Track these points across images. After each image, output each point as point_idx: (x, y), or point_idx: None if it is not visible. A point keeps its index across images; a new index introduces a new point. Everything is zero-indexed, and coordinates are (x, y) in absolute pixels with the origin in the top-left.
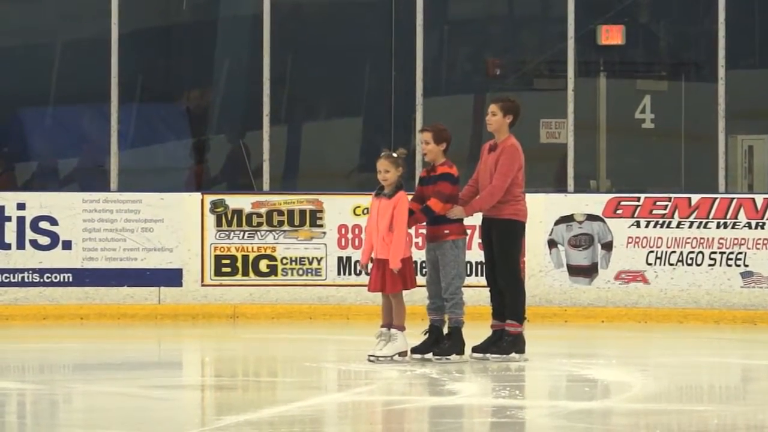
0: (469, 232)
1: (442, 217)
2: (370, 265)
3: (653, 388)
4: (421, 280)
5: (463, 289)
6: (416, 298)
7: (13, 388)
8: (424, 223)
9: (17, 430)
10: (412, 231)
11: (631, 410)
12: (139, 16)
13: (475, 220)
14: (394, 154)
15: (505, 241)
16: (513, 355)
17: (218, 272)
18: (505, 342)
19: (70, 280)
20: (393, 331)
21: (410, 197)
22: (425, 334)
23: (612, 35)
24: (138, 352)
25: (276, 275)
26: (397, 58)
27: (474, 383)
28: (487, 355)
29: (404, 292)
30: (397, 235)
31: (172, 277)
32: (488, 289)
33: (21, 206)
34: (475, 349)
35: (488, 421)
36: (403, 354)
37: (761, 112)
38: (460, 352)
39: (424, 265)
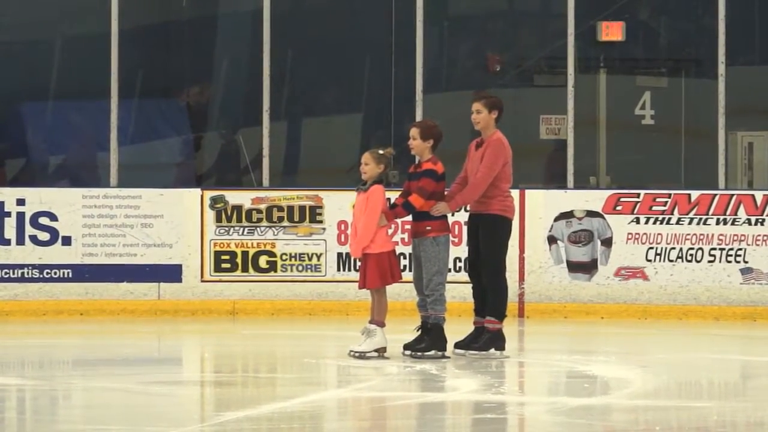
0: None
1: (424, 214)
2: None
3: (653, 385)
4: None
5: (446, 285)
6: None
7: (12, 384)
8: (408, 218)
9: (17, 426)
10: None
11: (631, 406)
12: (139, 11)
13: (462, 216)
14: (381, 151)
15: (491, 237)
16: (492, 351)
17: (218, 268)
18: (484, 339)
19: (70, 275)
20: (371, 327)
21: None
22: (417, 330)
23: (612, 31)
24: (137, 348)
25: (275, 271)
26: (397, 54)
27: (473, 379)
28: (467, 351)
29: (404, 288)
30: (365, 224)
31: (171, 273)
32: (470, 285)
33: (21, 202)
34: (457, 345)
35: (488, 418)
36: (381, 350)
37: (761, 109)
38: (441, 348)
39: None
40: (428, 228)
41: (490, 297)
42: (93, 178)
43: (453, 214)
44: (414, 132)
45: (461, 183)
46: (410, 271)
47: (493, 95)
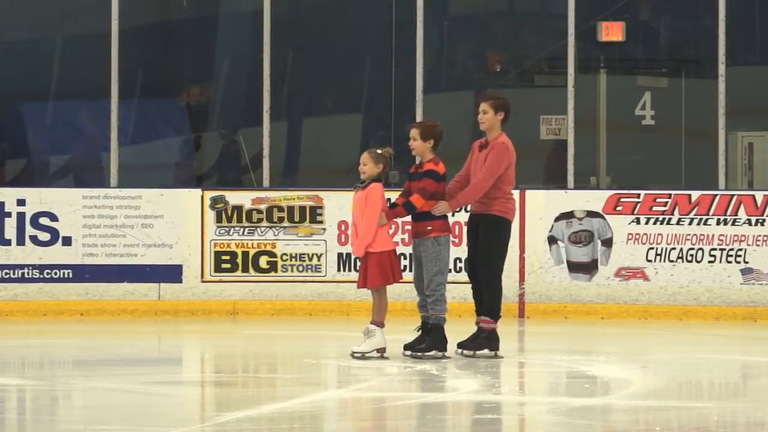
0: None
1: (425, 214)
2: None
3: (653, 385)
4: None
5: (447, 285)
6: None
7: (13, 384)
8: (408, 219)
9: (17, 427)
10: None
11: (631, 407)
12: (139, 11)
13: (462, 216)
14: (379, 151)
15: (490, 237)
16: (485, 351)
17: (218, 268)
18: (478, 339)
19: (70, 276)
20: (371, 327)
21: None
22: (417, 330)
23: (612, 32)
24: (138, 349)
25: (276, 271)
26: (398, 54)
27: (474, 380)
28: (463, 351)
29: (404, 288)
30: (366, 224)
31: (171, 273)
32: (471, 285)
33: (21, 202)
34: (459, 345)
35: (488, 418)
36: (381, 350)
37: (761, 109)
38: (442, 349)
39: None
40: (429, 228)
41: (486, 297)
42: (98, 179)
43: (453, 214)
44: (414, 132)
45: (460, 181)
46: (410, 271)
47: (500, 96)
